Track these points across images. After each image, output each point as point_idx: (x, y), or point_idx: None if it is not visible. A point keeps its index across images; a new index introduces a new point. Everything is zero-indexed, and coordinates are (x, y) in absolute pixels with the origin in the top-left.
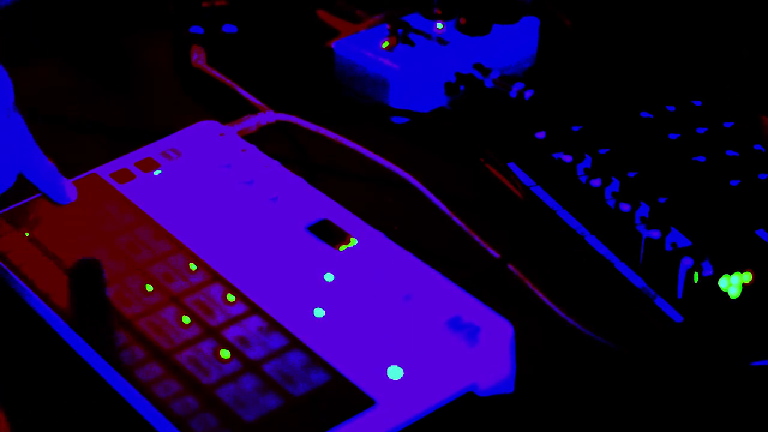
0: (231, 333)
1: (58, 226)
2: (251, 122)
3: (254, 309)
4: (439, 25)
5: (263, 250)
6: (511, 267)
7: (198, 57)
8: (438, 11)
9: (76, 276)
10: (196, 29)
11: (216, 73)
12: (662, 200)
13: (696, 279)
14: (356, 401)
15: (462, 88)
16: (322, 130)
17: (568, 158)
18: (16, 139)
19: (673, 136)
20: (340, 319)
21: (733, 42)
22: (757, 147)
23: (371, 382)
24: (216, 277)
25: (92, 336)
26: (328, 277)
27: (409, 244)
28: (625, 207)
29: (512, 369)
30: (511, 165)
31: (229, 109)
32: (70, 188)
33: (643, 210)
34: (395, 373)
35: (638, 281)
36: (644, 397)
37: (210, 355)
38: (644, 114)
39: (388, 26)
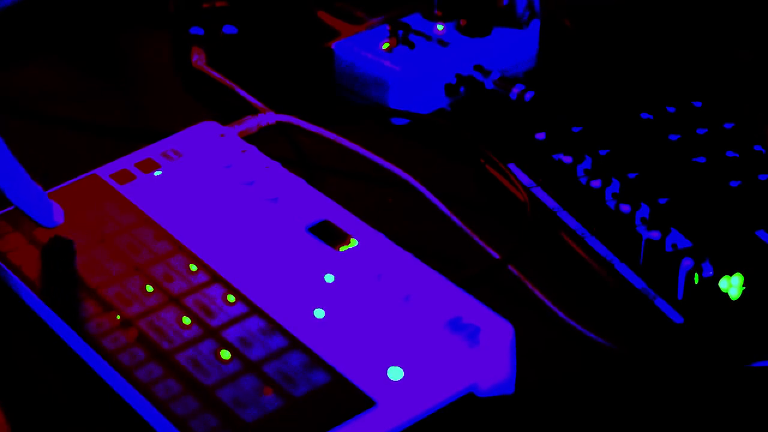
0: (231, 333)
1: (58, 226)
2: (251, 123)
3: (254, 310)
4: (440, 27)
5: (263, 250)
6: (511, 267)
7: (198, 58)
8: (438, 13)
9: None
10: (197, 30)
11: (216, 74)
12: (662, 201)
13: (696, 280)
14: (356, 402)
15: (462, 89)
16: (322, 131)
17: (568, 159)
18: None
19: (673, 137)
20: (341, 319)
21: (732, 43)
22: (758, 148)
23: (371, 382)
24: (216, 278)
25: (92, 335)
26: (329, 278)
27: (409, 245)
28: (626, 208)
29: (512, 370)
30: (512, 166)
31: (229, 110)
32: (56, 211)
33: (644, 211)
34: (395, 373)
35: (638, 282)
36: (644, 398)
37: (210, 355)
38: (644, 115)
39: (388, 27)
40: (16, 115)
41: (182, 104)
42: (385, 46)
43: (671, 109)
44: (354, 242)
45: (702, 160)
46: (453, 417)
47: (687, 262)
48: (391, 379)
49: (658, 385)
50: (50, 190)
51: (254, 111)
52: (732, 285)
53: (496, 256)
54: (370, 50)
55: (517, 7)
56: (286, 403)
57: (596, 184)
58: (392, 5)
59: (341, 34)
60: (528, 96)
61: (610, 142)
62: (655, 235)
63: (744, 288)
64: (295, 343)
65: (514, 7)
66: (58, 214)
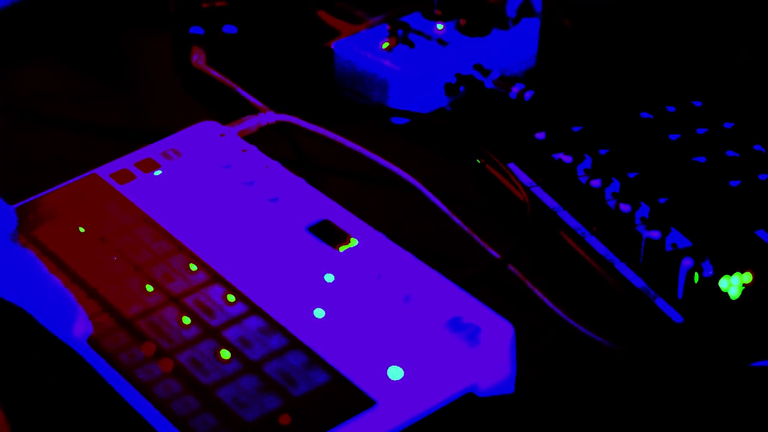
0: (231, 333)
1: (58, 226)
2: (251, 123)
3: (254, 309)
4: (439, 26)
5: (263, 250)
6: (511, 267)
7: (198, 57)
8: (438, 12)
9: None
10: (196, 30)
11: (216, 74)
12: (662, 201)
13: (696, 279)
14: (356, 401)
15: (462, 89)
16: (322, 131)
17: (568, 159)
18: (18, 274)
19: (673, 137)
20: (341, 319)
21: (732, 43)
22: (757, 147)
23: (371, 382)
24: (216, 278)
25: (92, 336)
26: (329, 278)
27: (409, 245)
28: (626, 207)
29: (513, 369)
30: (512, 165)
31: (229, 110)
32: (82, 321)
33: (644, 210)
34: (395, 373)
35: (638, 282)
36: (644, 398)
37: (210, 355)
38: (644, 114)
39: (388, 27)
40: (16, 116)
41: (182, 104)
42: (385, 45)
43: (671, 109)
44: (354, 242)
45: (702, 160)
46: (453, 417)
47: (687, 262)
48: (391, 378)
49: (658, 385)
50: (50, 190)
51: (254, 111)
52: (732, 284)
53: (496, 256)
54: (370, 50)
55: (508, 8)
56: (286, 402)
57: (596, 183)
58: (392, 5)
59: (341, 33)
60: (528, 95)
61: (610, 142)
62: (655, 234)
63: (744, 288)
64: (295, 343)
65: (503, 6)
66: (85, 326)
